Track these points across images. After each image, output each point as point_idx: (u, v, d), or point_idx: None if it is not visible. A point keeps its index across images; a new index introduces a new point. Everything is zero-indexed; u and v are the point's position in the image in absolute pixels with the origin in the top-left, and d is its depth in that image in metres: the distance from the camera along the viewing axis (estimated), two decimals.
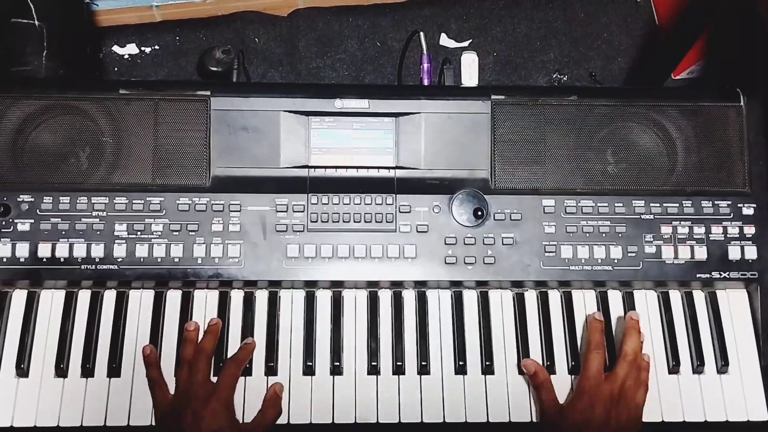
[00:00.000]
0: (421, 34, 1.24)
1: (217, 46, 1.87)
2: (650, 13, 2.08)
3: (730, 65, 1.86)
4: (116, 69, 1.91)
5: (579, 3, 2.06)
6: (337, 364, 1.06)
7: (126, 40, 1.93)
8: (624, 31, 2.05)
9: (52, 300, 1.08)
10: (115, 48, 1.92)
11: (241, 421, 1.03)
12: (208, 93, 1.09)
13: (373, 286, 1.10)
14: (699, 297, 1.12)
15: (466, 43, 1.99)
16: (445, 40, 1.99)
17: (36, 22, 1.41)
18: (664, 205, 1.10)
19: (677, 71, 1.90)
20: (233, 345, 1.07)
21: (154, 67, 1.91)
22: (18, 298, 1.07)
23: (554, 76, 1.99)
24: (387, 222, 1.08)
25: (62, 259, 1.05)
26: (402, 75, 1.58)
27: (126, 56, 1.92)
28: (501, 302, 1.10)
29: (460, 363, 1.06)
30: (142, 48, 1.93)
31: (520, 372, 1.07)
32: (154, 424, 1.02)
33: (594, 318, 1.07)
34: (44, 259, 1.05)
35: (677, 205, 1.10)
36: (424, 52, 1.23)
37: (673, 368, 1.08)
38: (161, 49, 1.93)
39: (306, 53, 1.94)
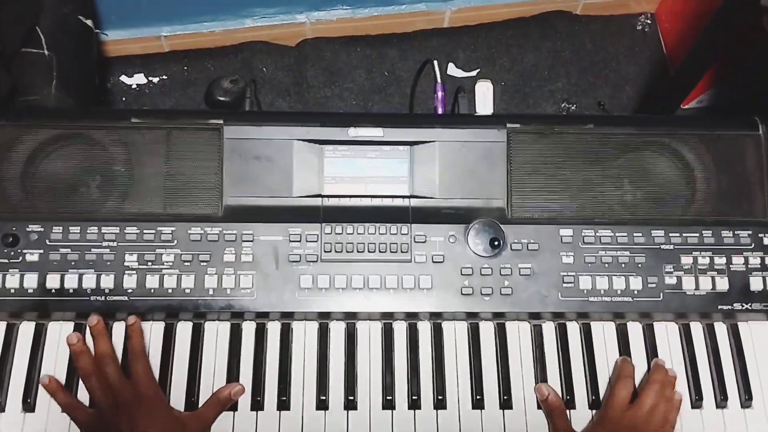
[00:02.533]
0: (435, 62, 1.23)
1: (225, 75, 1.88)
2: (657, 42, 2.08)
3: (742, 93, 1.86)
4: (124, 99, 1.92)
5: (586, 32, 2.07)
6: (351, 398, 1.03)
7: (134, 70, 1.94)
8: (632, 60, 2.06)
9: (60, 332, 1.05)
10: (123, 78, 1.93)
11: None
12: (221, 122, 1.08)
13: (387, 318, 1.08)
14: (721, 329, 1.09)
15: (474, 73, 2.00)
16: (453, 70, 1.99)
17: (45, 52, 1.41)
18: (684, 235, 1.08)
19: (686, 100, 1.90)
20: (245, 378, 1.04)
21: (161, 96, 1.92)
22: (25, 330, 1.05)
23: (563, 105, 1.99)
24: (402, 252, 1.06)
25: (71, 291, 1.03)
26: (413, 104, 1.57)
27: (134, 86, 1.93)
28: (519, 334, 1.08)
29: (478, 397, 1.04)
30: (150, 78, 1.94)
31: (539, 406, 1.04)
32: None
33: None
34: (53, 291, 1.02)
35: (697, 235, 1.08)
36: (438, 80, 1.23)
37: (696, 403, 1.05)
38: (169, 79, 1.93)
39: (314, 83, 1.94)
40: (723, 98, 1.94)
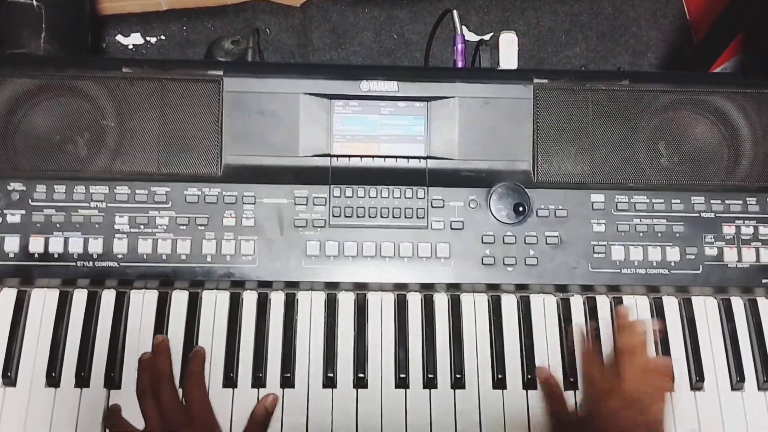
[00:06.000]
0: (454, 12, 1.14)
1: (226, 36, 1.80)
2: (680, 7, 2.01)
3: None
4: None
5: None
6: (362, 375, 0.97)
7: (130, 30, 1.87)
8: (653, 25, 1.99)
9: (44, 300, 0.99)
10: (119, 38, 1.86)
11: None
12: (221, 73, 1.01)
13: (401, 289, 1.01)
14: (764, 305, 1.03)
15: (487, 37, 1.92)
16: (465, 34, 1.91)
17: (34, 3, 1.32)
18: (726, 202, 1.02)
19: (711, 68, 1.81)
20: (245, 352, 0.97)
21: (159, 57, 1.83)
22: (6, 297, 0.98)
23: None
24: (418, 218, 0.99)
25: (56, 255, 0.96)
26: (428, 61, 1.48)
27: (130, 46, 1.86)
28: (544, 308, 1.02)
29: (499, 376, 0.97)
30: (147, 38, 1.87)
31: (565, 388, 0.97)
32: None
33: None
34: (36, 255, 0.96)
35: (741, 202, 1.02)
36: (458, 32, 1.13)
37: (737, 384, 0.99)
38: (167, 39, 1.87)
39: (319, 45, 1.87)
40: (750, 65, 1.85)
